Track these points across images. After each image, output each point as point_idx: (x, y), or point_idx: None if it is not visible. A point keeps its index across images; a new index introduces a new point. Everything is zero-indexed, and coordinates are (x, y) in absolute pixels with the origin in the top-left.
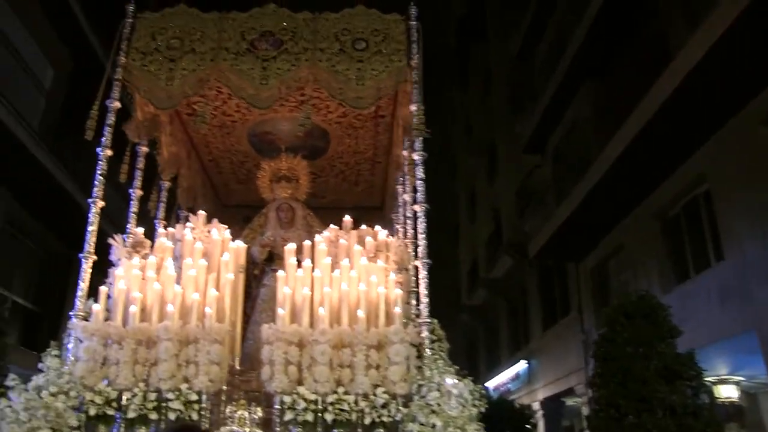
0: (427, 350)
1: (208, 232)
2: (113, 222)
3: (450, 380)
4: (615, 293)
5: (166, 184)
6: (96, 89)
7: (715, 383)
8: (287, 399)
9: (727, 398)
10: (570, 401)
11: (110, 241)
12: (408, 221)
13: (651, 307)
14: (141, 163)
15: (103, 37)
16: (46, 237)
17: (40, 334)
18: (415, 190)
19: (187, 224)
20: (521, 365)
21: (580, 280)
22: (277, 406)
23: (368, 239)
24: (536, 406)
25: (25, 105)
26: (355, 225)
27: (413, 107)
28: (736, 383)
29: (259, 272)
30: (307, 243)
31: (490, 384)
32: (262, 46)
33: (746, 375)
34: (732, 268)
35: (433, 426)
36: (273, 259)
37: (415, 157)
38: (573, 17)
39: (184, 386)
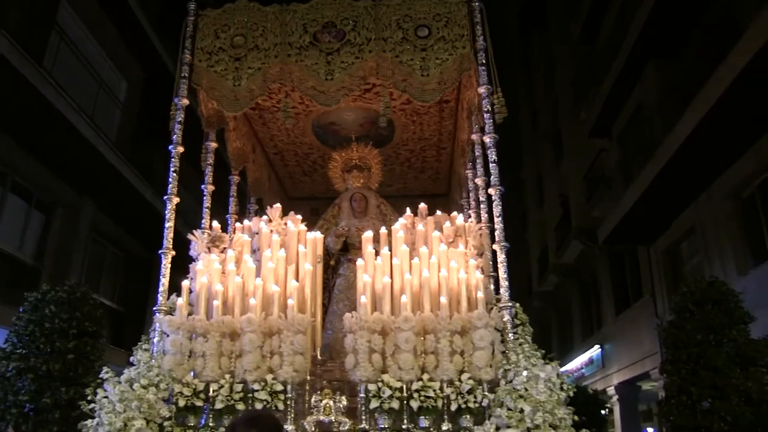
0: (510, 334)
1: (285, 224)
2: (187, 222)
3: (537, 363)
4: (688, 276)
5: (235, 179)
6: (165, 97)
7: None
8: (372, 387)
9: None
10: (646, 385)
11: (189, 236)
12: (480, 206)
13: (721, 294)
14: (210, 159)
15: (169, 46)
16: (127, 241)
17: (126, 333)
18: (487, 174)
19: (263, 217)
20: (595, 350)
21: (652, 263)
22: (362, 395)
23: (446, 225)
24: (611, 391)
25: (103, 118)
26: (431, 212)
27: (482, 89)
28: None
29: (334, 262)
30: (382, 231)
31: (565, 369)
32: (324, 38)
33: None
34: None
35: (522, 411)
36: (348, 249)
37: (487, 139)
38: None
39: (269, 377)
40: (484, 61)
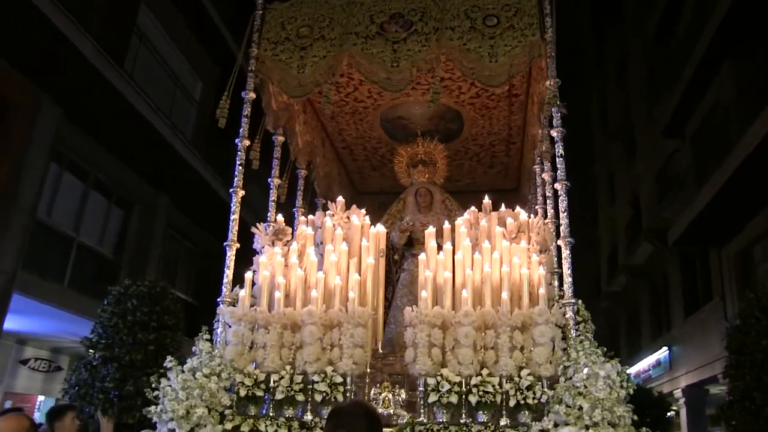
0: (572, 331)
1: (348, 218)
2: (259, 217)
3: (597, 361)
4: (760, 280)
5: (303, 173)
6: (240, 95)
7: None
8: (431, 381)
9: None
10: (714, 389)
11: (253, 229)
12: (547, 201)
13: None
14: (278, 153)
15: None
16: (201, 236)
17: (199, 325)
18: (554, 168)
19: (327, 212)
20: (663, 352)
21: (723, 266)
22: (421, 389)
23: (509, 220)
24: (678, 393)
25: (180, 117)
26: (494, 207)
27: (549, 83)
28: None
29: (399, 257)
30: (446, 226)
31: (632, 370)
32: (391, 28)
33: None
34: None
35: (580, 408)
36: (412, 244)
37: (554, 134)
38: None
39: (329, 369)
40: (553, 54)
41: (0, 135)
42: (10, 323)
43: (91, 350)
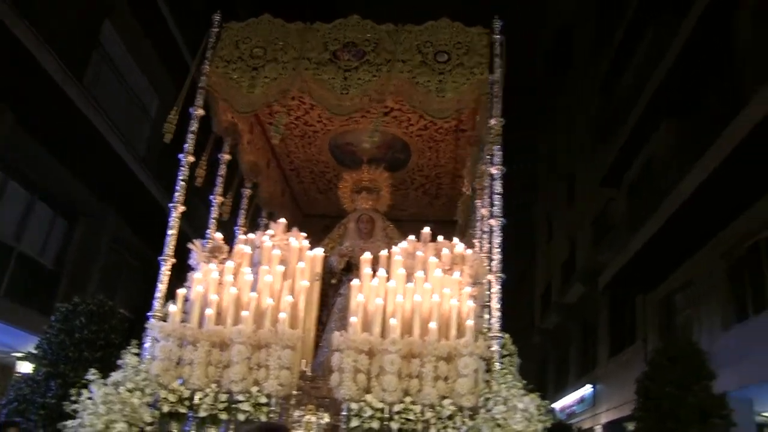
0: (497, 364)
1: (288, 239)
2: (202, 235)
3: (517, 394)
4: (679, 326)
5: (247, 192)
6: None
7: None
8: (354, 406)
9: None
10: (631, 426)
11: (189, 245)
12: (485, 235)
13: (693, 352)
14: (222, 170)
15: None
16: (144, 251)
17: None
18: (492, 205)
19: (267, 231)
20: (587, 389)
21: (647, 311)
22: (344, 413)
23: (445, 251)
24: (598, 429)
25: (135, 134)
26: (434, 238)
27: (493, 121)
28: None
29: (336, 281)
30: (383, 253)
31: (557, 405)
32: (344, 56)
33: None
34: None
35: None
36: (351, 269)
37: (493, 171)
38: (656, 55)
39: (254, 389)
40: (499, 94)
41: None
42: None
43: (34, 365)
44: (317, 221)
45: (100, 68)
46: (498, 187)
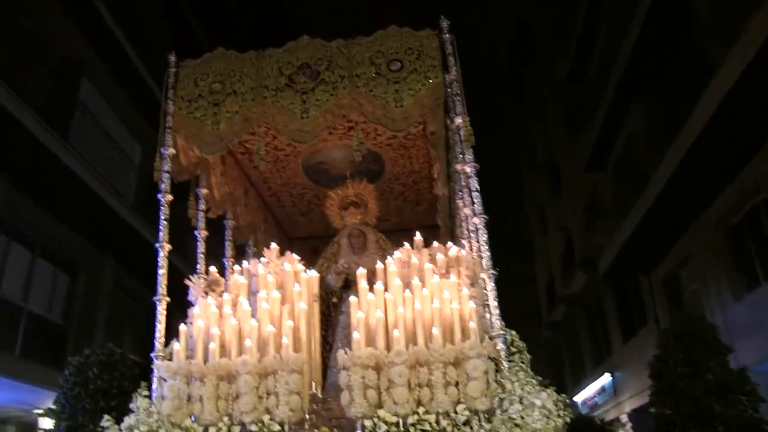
0: (505, 363)
1: (282, 264)
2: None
3: (532, 391)
4: (687, 302)
5: (230, 223)
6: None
7: None
8: (368, 423)
9: None
10: None
11: (186, 282)
12: (472, 235)
13: (702, 328)
14: (202, 205)
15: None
16: (147, 295)
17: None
18: (473, 203)
19: (262, 259)
20: (605, 378)
21: (654, 291)
22: (359, 431)
23: (439, 256)
24: (624, 418)
25: (123, 182)
26: (426, 243)
27: (458, 119)
28: None
29: (337, 300)
30: (378, 266)
31: (578, 398)
32: (300, 79)
33: None
34: None
35: None
36: (350, 286)
37: (468, 169)
38: (618, 37)
39: (266, 417)
40: (458, 92)
41: None
42: None
43: (55, 421)
44: (303, 243)
45: (83, 124)
46: (475, 184)
